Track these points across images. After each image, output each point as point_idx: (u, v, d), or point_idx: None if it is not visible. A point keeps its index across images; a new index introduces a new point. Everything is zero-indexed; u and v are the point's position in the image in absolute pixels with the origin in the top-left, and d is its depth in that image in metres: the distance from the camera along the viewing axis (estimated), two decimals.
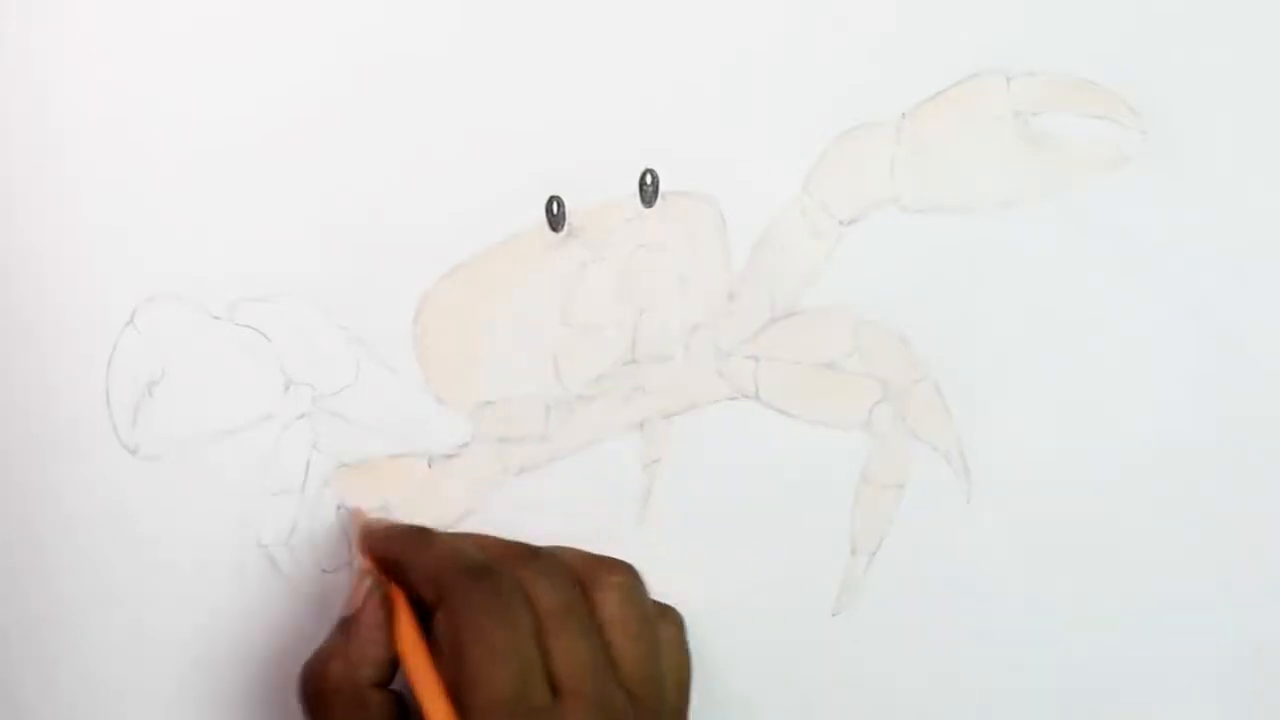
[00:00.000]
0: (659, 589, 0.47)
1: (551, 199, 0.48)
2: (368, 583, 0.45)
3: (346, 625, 0.45)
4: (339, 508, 0.48)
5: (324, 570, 0.48)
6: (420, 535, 0.46)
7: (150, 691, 0.48)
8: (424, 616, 0.44)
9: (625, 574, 0.46)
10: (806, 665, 0.48)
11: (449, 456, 0.49)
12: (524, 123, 0.48)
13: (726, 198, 0.48)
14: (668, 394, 0.48)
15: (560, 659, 0.43)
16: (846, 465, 0.49)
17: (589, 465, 0.48)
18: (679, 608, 0.48)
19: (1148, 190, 0.48)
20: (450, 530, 0.48)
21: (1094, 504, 0.49)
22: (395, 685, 0.45)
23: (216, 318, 0.48)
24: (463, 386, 0.48)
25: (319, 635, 0.47)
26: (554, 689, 0.43)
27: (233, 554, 0.48)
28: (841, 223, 0.48)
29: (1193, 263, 0.48)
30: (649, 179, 0.48)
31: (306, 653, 0.48)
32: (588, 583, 0.45)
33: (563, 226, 0.48)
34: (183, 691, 0.48)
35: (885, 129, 0.48)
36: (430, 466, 0.48)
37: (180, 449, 0.48)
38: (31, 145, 0.48)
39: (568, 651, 0.43)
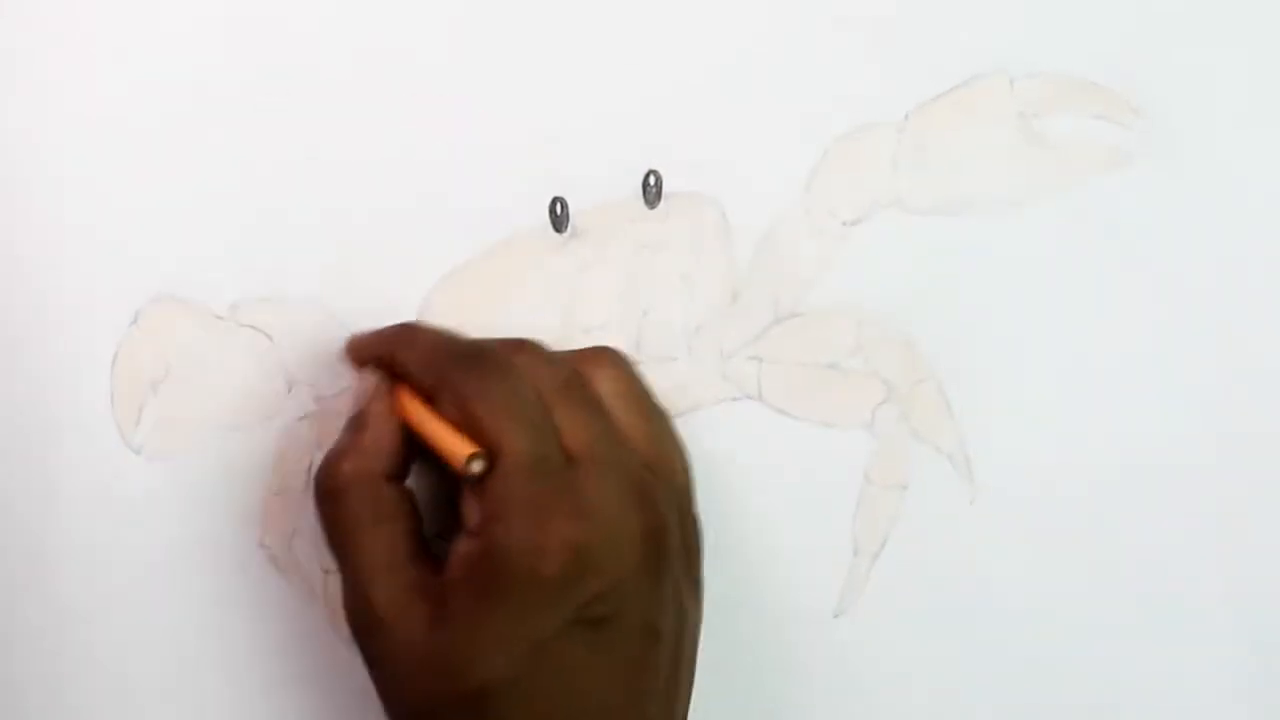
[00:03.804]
0: None
1: (555, 200, 0.48)
2: (371, 379, 0.45)
3: (354, 422, 0.44)
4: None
5: (325, 570, 0.48)
6: (406, 330, 0.46)
7: (152, 691, 0.48)
8: None
9: (618, 356, 0.45)
10: (809, 666, 0.48)
11: None
12: (527, 123, 0.48)
13: (730, 198, 0.48)
14: (671, 395, 0.48)
15: (569, 429, 0.42)
16: (849, 466, 0.49)
17: None
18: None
19: (1148, 190, 0.48)
20: None
21: (1097, 505, 0.49)
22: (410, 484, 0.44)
23: (219, 318, 0.48)
24: None
25: (320, 635, 0.48)
26: (568, 459, 0.42)
27: (235, 554, 0.48)
28: (845, 223, 0.48)
29: (1193, 263, 0.48)
30: (652, 180, 0.48)
31: (307, 652, 0.48)
32: (583, 368, 0.44)
33: (566, 227, 0.48)
34: (184, 691, 0.48)
35: (888, 130, 0.48)
36: None
37: (184, 449, 0.48)
38: (33, 145, 0.48)
39: (576, 421, 0.42)
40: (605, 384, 0.44)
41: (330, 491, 0.43)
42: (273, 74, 0.48)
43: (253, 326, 0.48)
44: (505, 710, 0.41)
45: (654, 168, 0.48)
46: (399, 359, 0.45)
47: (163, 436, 0.48)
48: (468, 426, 0.42)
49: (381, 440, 0.44)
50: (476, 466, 0.41)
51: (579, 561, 0.41)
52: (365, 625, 0.43)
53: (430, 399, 0.43)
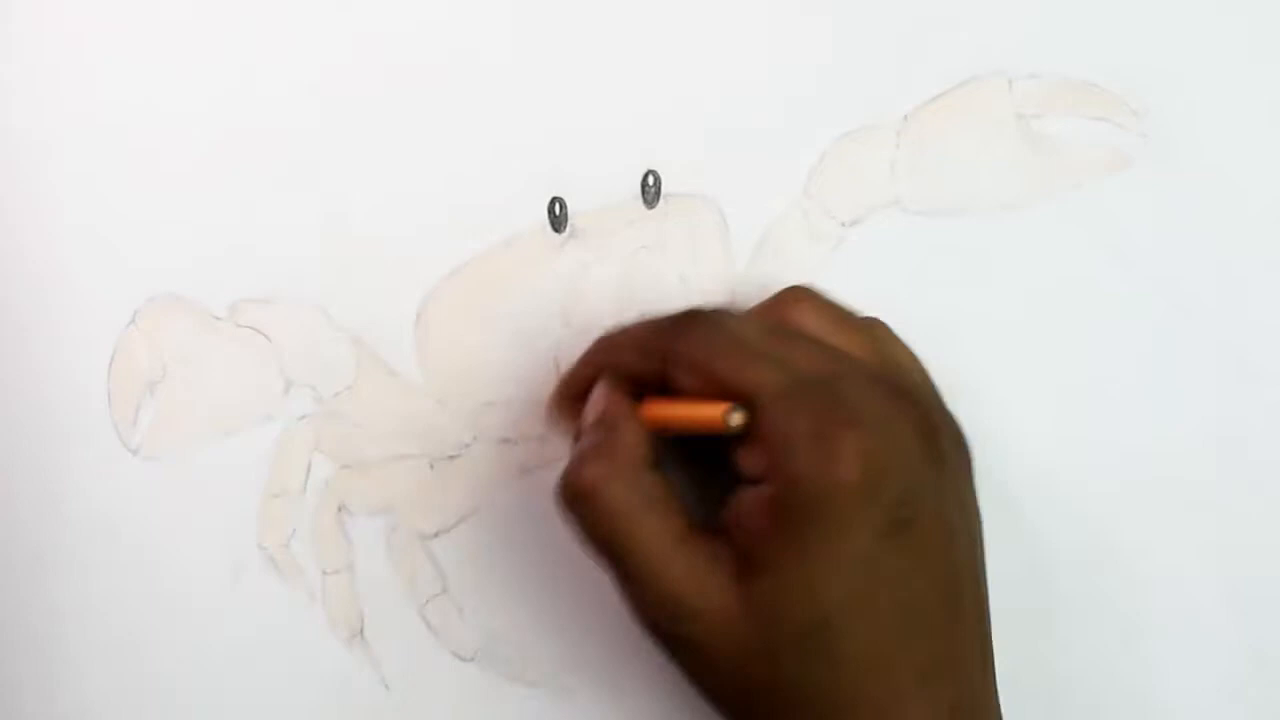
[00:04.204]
0: None
1: (553, 200, 0.48)
2: (602, 384, 0.43)
3: (597, 427, 0.42)
4: None
5: (324, 572, 0.48)
6: (602, 341, 0.44)
7: (150, 691, 0.48)
8: None
9: (803, 289, 0.44)
10: None
11: (451, 458, 0.48)
12: (526, 124, 0.48)
13: (728, 199, 0.48)
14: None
15: (800, 360, 0.41)
16: None
17: None
18: None
19: (1148, 191, 0.48)
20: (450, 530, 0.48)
21: (1094, 506, 0.48)
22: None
23: (218, 318, 0.48)
24: (464, 387, 0.48)
25: (319, 636, 0.48)
26: (819, 378, 0.41)
27: (233, 555, 0.48)
28: (843, 224, 0.48)
29: (1192, 263, 0.48)
30: (651, 180, 0.48)
31: (306, 654, 0.48)
32: (780, 312, 0.44)
33: (565, 228, 0.48)
34: (183, 692, 0.48)
35: (886, 131, 0.48)
36: (432, 468, 0.48)
37: (181, 450, 0.48)
38: (33, 146, 0.48)
39: (802, 352, 0.41)
40: (806, 317, 0.44)
41: (583, 491, 0.41)
42: (273, 74, 0.48)
43: (251, 327, 0.48)
44: (846, 635, 0.40)
45: (653, 168, 0.48)
46: (614, 366, 0.43)
47: (160, 437, 0.48)
48: (710, 386, 0.41)
49: (629, 435, 0.42)
50: (737, 419, 0.40)
51: (874, 465, 0.39)
52: (662, 609, 0.41)
53: (664, 379, 0.42)
